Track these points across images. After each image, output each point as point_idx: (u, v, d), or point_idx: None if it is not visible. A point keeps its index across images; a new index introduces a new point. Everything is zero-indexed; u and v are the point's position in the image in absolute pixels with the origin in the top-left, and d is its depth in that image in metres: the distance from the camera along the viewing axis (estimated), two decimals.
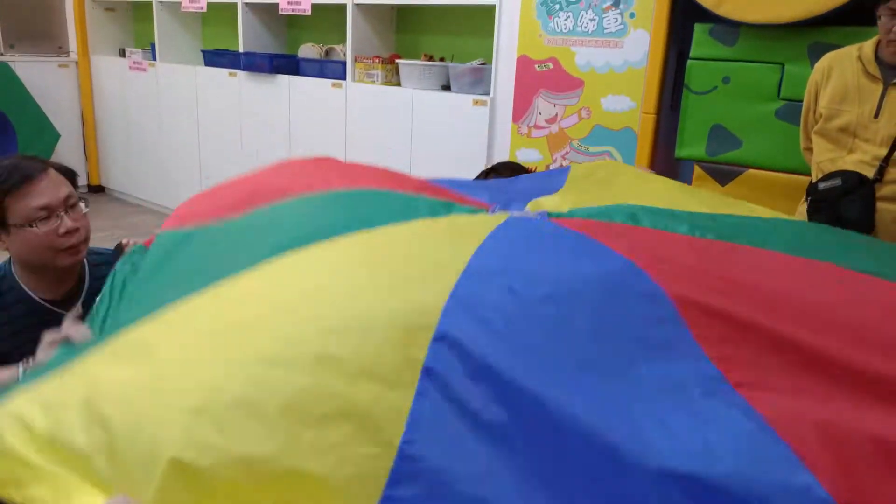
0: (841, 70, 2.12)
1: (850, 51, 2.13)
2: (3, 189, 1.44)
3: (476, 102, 3.43)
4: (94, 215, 1.60)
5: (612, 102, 2.98)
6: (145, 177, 5.45)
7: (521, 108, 3.22)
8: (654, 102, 2.83)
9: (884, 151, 2.03)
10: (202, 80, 4.72)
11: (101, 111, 5.62)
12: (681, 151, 2.75)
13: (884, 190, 2.05)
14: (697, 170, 2.72)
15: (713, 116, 2.64)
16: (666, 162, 3.03)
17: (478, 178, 2.09)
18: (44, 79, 5.31)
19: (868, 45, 2.09)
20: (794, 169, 2.50)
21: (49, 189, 1.47)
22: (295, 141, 4.28)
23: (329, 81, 4.00)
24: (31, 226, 1.45)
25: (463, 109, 3.48)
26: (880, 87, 2.04)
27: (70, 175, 1.56)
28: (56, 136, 5.14)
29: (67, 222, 1.48)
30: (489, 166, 2.15)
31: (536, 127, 3.19)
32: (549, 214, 1.20)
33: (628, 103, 2.94)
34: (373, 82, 3.82)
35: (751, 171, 2.61)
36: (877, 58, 2.06)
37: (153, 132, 5.22)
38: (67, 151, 5.33)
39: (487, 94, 3.41)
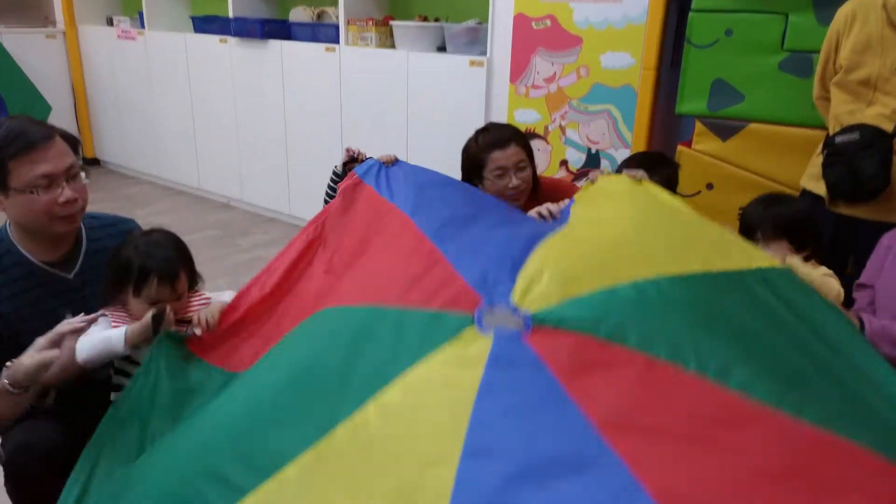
0: (865, 18, 2.03)
1: None
2: (8, 152, 1.42)
3: (472, 63, 3.37)
4: (90, 188, 1.58)
5: (611, 59, 2.93)
6: (139, 148, 5.39)
7: (519, 67, 3.17)
8: (654, 58, 2.78)
9: None
10: (192, 47, 4.64)
11: (91, 82, 5.54)
12: (681, 107, 2.71)
13: None
14: (698, 125, 2.68)
15: (715, 70, 2.59)
16: (667, 118, 2.99)
17: (470, 140, 2.07)
18: (31, 51, 5.21)
19: None
20: (798, 122, 2.46)
21: (54, 157, 1.47)
22: (289, 107, 4.22)
23: (322, 45, 3.92)
24: (31, 192, 1.45)
25: (459, 71, 3.42)
26: None
27: (73, 143, 1.55)
28: (48, 109, 5.06)
29: (68, 192, 1.48)
30: (481, 127, 2.12)
31: (534, 86, 3.14)
32: (534, 319, 1.15)
33: (628, 60, 2.88)
34: (367, 45, 3.75)
35: (753, 125, 2.57)
36: None
37: (145, 102, 5.15)
38: (59, 124, 4.97)
39: (484, 54, 3.35)
